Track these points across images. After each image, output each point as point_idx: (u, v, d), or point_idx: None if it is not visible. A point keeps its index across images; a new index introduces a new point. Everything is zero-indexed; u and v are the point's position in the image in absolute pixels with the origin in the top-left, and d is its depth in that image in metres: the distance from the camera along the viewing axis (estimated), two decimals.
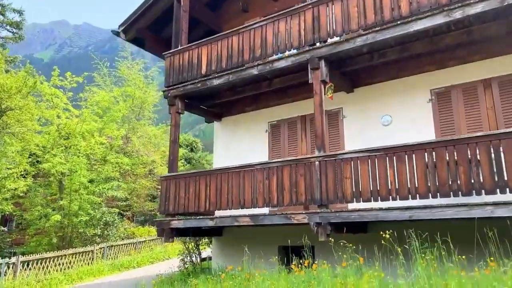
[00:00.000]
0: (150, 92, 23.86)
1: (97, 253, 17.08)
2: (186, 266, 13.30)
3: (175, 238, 10.18)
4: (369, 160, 7.21)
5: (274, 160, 8.63)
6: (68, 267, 15.45)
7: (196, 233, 10.75)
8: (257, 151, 10.86)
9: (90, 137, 18.20)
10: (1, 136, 12.91)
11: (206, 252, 14.86)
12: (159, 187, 25.60)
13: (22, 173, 15.80)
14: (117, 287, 13.34)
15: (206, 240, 14.62)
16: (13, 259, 13.01)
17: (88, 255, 16.66)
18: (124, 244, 19.29)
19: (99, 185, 17.70)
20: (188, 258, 13.38)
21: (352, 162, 7.40)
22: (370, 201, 7.10)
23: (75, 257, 15.93)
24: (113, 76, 23.97)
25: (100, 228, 17.77)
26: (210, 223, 9.00)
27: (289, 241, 7.41)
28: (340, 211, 7.33)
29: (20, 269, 13.23)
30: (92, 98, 20.49)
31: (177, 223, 9.54)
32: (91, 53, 25.84)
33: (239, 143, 11.57)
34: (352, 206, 7.79)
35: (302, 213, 7.68)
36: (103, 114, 19.54)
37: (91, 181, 17.96)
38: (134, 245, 20.18)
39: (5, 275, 12.59)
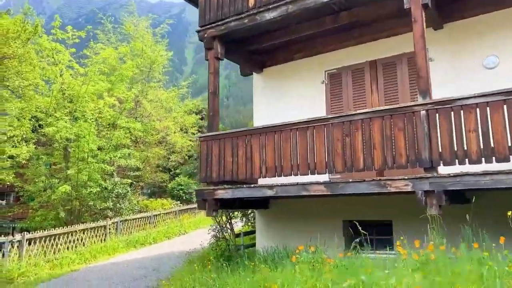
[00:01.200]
0: (159, 51, 21.63)
1: (110, 229, 15.45)
2: (219, 243, 11.65)
3: (218, 210, 8.40)
4: (505, 106, 5.34)
5: (358, 112, 6.74)
6: (80, 244, 13.81)
7: (241, 204, 9.00)
8: (310, 108, 8.96)
9: (97, 100, 16.22)
10: None
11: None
12: (170, 157, 23.75)
13: (23, 137, 13.89)
14: (138, 269, 11.71)
15: (237, 213, 13.00)
16: (18, 237, 11.33)
17: (100, 230, 15.03)
18: (138, 218, 17.68)
19: (109, 153, 15.85)
20: (221, 234, 11.72)
21: (478, 110, 5.53)
22: (508, 161, 5.28)
23: (86, 233, 14.29)
24: (118, 33, 21.68)
25: (112, 201, 16.07)
26: (269, 193, 7.21)
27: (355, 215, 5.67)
28: (461, 174, 5.50)
29: (26, 248, 11.53)
30: (97, 56, 18.27)
31: (223, 193, 7.79)
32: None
33: (287, 99, 9.69)
34: (465, 169, 5.95)
35: (404, 178, 5.86)
36: (111, 73, 17.43)
37: (99, 148, 16.09)
38: (148, 219, 18.57)
39: (9, 255, 10.89)
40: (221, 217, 11.96)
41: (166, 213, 20.50)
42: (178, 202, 23.74)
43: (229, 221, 11.92)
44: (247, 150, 7.63)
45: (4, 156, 13.17)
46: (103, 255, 13.80)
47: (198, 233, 20.94)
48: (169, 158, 23.00)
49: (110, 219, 15.52)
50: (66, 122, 14.39)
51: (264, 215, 9.66)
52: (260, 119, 10.04)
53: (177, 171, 26.07)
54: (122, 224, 16.28)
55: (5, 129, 12.20)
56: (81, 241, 13.93)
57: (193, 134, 23.16)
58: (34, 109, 14.55)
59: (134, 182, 19.45)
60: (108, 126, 17.43)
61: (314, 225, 8.57)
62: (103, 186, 15.57)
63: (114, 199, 16.09)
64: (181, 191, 25.56)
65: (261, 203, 9.47)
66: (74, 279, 10.39)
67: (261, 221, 9.73)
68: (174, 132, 21.63)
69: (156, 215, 19.34)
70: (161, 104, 21.55)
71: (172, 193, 25.51)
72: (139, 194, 21.32)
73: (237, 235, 12.01)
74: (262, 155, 7.42)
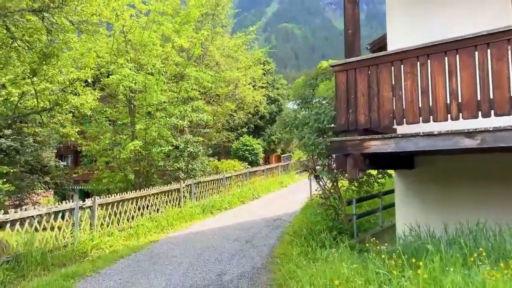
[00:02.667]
0: None
1: (184, 192, 13.69)
2: (328, 212, 9.39)
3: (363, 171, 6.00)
4: None
5: None
6: (153, 210, 12.14)
7: (384, 163, 6.58)
8: (482, 22, 6.07)
9: (164, 44, 14.08)
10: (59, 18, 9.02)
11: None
12: (234, 115, 21.54)
13: (88, 82, 12.12)
14: (228, 242, 9.78)
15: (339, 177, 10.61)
16: (89, 202, 9.68)
17: (174, 194, 13.30)
18: (212, 181, 15.85)
19: (178, 106, 13.84)
20: (327, 202, 9.43)
21: None
22: None
23: (160, 197, 12.58)
24: None
25: (184, 161, 14.24)
26: (468, 143, 4.68)
27: None
28: None
29: (98, 215, 9.90)
30: None
31: (379, 145, 5.39)
32: None
33: (437, 9, 6.88)
34: None
35: None
36: (173, 16, 15.13)
37: (167, 102, 14.12)
38: (221, 181, 16.73)
39: (79, 223, 9.28)
40: (326, 182, 9.68)
41: (237, 175, 18.61)
42: (246, 164, 21.81)
43: (335, 183, 9.56)
44: (421, 78, 5.07)
45: (67, 106, 11.49)
46: (180, 223, 12.10)
47: (270, 197, 19.06)
48: (232, 116, 20.86)
49: (184, 182, 13.74)
50: (130, 70, 12.43)
51: (407, 178, 7.17)
52: (397, 43, 7.29)
53: (244, 129, 23.99)
54: (196, 187, 14.51)
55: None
56: (155, 206, 12.25)
57: (262, 87, 20.75)
58: (99, 50, 12.62)
59: (206, 140, 17.60)
60: (174, 77, 15.38)
61: (491, 195, 6.04)
62: (174, 144, 13.71)
63: (186, 158, 14.27)
64: (246, 152, 23.58)
65: (403, 161, 6.98)
66: (157, 254, 8.62)
67: (402, 186, 7.25)
68: (244, 85, 19.31)
69: (228, 178, 17.48)
70: (228, 53, 19.15)
71: (236, 154, 23.61)
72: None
73: (349, 203, 9.68)
74: (451, 84, 4.82)
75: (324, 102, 9.24)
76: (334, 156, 8.44)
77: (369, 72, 5.53)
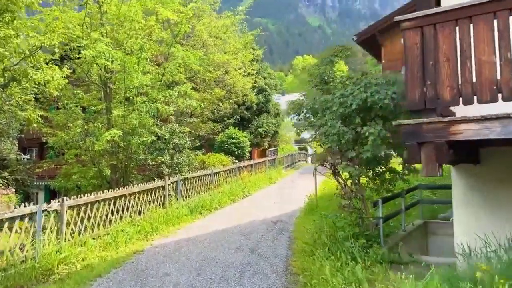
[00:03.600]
0: None
1: (169, 190, 11.92)
2: (352, 216, 7.87)
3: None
4: None
5: None
6: (134, 211, 10.33)
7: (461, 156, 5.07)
8: None
9: (146, 18, 12.18)
10: None
11: None
12: (220, 103, 19.71)
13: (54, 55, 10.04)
14: (230, 252, 8.16)
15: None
16: (55, 204, 7.80)
17: (158, 193, 11.50)
18: (199, 177, 14.11)
19: (162, 91, 11.99)
20: (351, 204, 7.89)
21: None
22: None
23: (141, 197, 10.77)
24: None
25: (169, 154, 12.44)
26: None
27: None
28: None
29: (67, 220, 8.04)
30: None
31: (476, 130, 3.86)
32: None
33: None
34: None
35: None
36: None
37: (146, 85, 12.25)
38: (209, 177, 15.01)
39: (43, 232, 7.41)
40: (347, 179, 8.17)
41: (226, 170, 16.92)
42: (233, 158, 20.11)
43: (357, 180, 8.05)
44: None
45: (27, 84, 9.36)
46: (166, 227, 10.35)
47: (262, 194, 17.48)
48: (218, 105, 19.05)
49: (169, 178, 11.95)
50: (106, 46, 10.49)
51: (471, 176, 5.70)
52: None
53: (230, 120, 22.20)
54: (183, 184, 12.74)
55: None
56: (137, 207, 10.43)
57: (251, 74, 19.02)
58: (68, 20, 10.53)
59: (192, 131, 15.76)
60: (156, 59, 13.46)
61: None
62: (158, 134, 11.86)
63: (171, 151, 12.46)
64: (232, 145, 21.84)
65: (467, 154, 5.51)
66: (144, 271, 6.88)
67: (464, 187, 5.78)
68: (235, 69, 17.51)
69: (216, 173, 15.77)
70: (216, 34, 17.30)
71: (222, 147, 21.84)
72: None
73: (375, 205, 8.19)
74: None
75: (348, 82, 7.69)
76: (373, 146, 6.98)
77: (457, 27, 3.99)
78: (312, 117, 7.85)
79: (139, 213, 10.47)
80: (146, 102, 11.27)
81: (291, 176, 25.62)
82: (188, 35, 15.86)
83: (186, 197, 12.97)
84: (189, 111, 14.12)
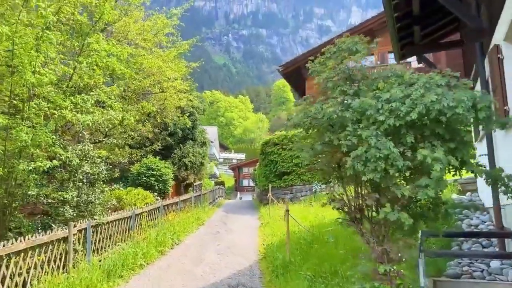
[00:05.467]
0: None
1: (74, 243, 7.99)
2: None
3: None
4: None
5: None
6: (18, 283, 6.31)
7: None
8: None
9: None
10: None
11: None
12: (142, 125, 15.86)
13: None
14: None
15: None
16: None
17: (56, 248, 7.53)
18: (118, 221, 10.27)
19: (70, 96, 8.25)
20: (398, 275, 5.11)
21: None
22: None
23: (28, 258, 6.75)
24: None
25: (76, 188, 8.55)
26: None
27: None
28: None
29: None
30: None
31: None
32: None
33: None
34: None
35: None
36: None
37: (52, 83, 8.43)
38: (129, 221, 11.21)
39: None
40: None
41: (150, 210, 13.14)
42: (155, 194, 16.28)
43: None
44: None
45: None
46: None
47: (196, 240, 13.90)
48: (139, 128, 15.27)
49: (75, 225, 8.04)
50: None
51: None
52: None
53: (155, 146, 18.31)
54: (95, 232, 8.86)
55: None
56: (19, 277, 6.41)
57: (185, 91, 15.62)
58: None
59: (111, 155, 11.73)
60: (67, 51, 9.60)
61: None
62: (63, 157, 7.94)
63: (79, 185, 8.59)
64: (152, 178, 17.96)
65: None
66: None
67: None
68: (172, 80, 13.99)
69: (139, 215, 11.98)
70: (145, 36, 13.73)
71: (138, 181, 17.84)
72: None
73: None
74: None
75: (394, 79, 5.09)
76: (437, 180, 4.48)
77: None
78: (339, 132, 5.06)
79: (25, 286, 6.44)
80: (46, 108, 7.45)
81: (218, 215, 22.34)
82: (110, 32, 12.19)
83: (99, 252, 9.05)
84: (106, 129, 10.41)
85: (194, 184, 23.44)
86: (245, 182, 69.78)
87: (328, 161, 5.38)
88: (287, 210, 8.88)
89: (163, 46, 15.03)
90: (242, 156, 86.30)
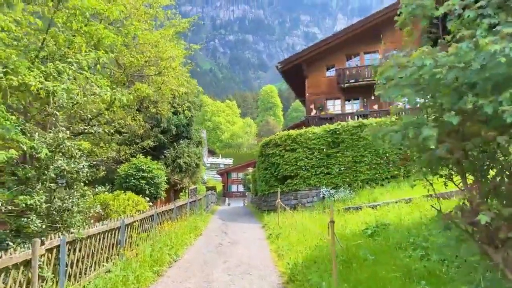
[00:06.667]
0: None
1: (42, 266, 5.58)
2: None
3: None
4: None
5: None
6: None
7: None
8: None
9: None
10: None
11: None
12: (130, 120, 13.43)
13: None
14: None
15: None
16: None
17: (14, 275, 5.11)
18: (103, 234, 7.85)
19: (39, 63, 5.90)
20: None
21: None
22: None
23: None
24: None
25: (45, 190, 6.16)
26: None
27: None
28: None
29: None
30: None
31: None
32: None
33: None
34: None
35: None
36: None
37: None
38: (118, 233, 8.78)
39: None
40: None
41: (142, 219, 10.71)
42: (147, 199, 13.79)
43: None
44: None
45: None
46: None
47: (198, 256, 11.36)
48: (129, 122, 12.85)
49: (43, 242, 5.65)
50: None
51: None
52: None
53: (147, 142, 15.79)
54: (71, 251, 6.45)
55: None
56: None
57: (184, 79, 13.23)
58: None
59: (95, 148, 9.25)
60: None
61: None
62: (25, 147, 5.52)
63: (50, 186, 6.17)
64: (143, 181, 15.49)
65: None
66: None
67: None
68: (174, 59, 11.56)
69: (129, 225, 9.55)
70: (139, 5, 11.32)
71: (126, 184, 15.35)
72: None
73: None
74: None
75: None
76: None
77: None
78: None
79: None
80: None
81: (215, 223, 19.95)
82: None
83: (77, 278, 6.62)
84: (89, 115, 8.01)
85: (189, 188, 20.96)
86: (234, 188, 67.52)
87: (473, 143, 3.18)
88: (332, 221, 6.64)
89: (161, 25, 12.60)
90: (229, 161, 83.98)
